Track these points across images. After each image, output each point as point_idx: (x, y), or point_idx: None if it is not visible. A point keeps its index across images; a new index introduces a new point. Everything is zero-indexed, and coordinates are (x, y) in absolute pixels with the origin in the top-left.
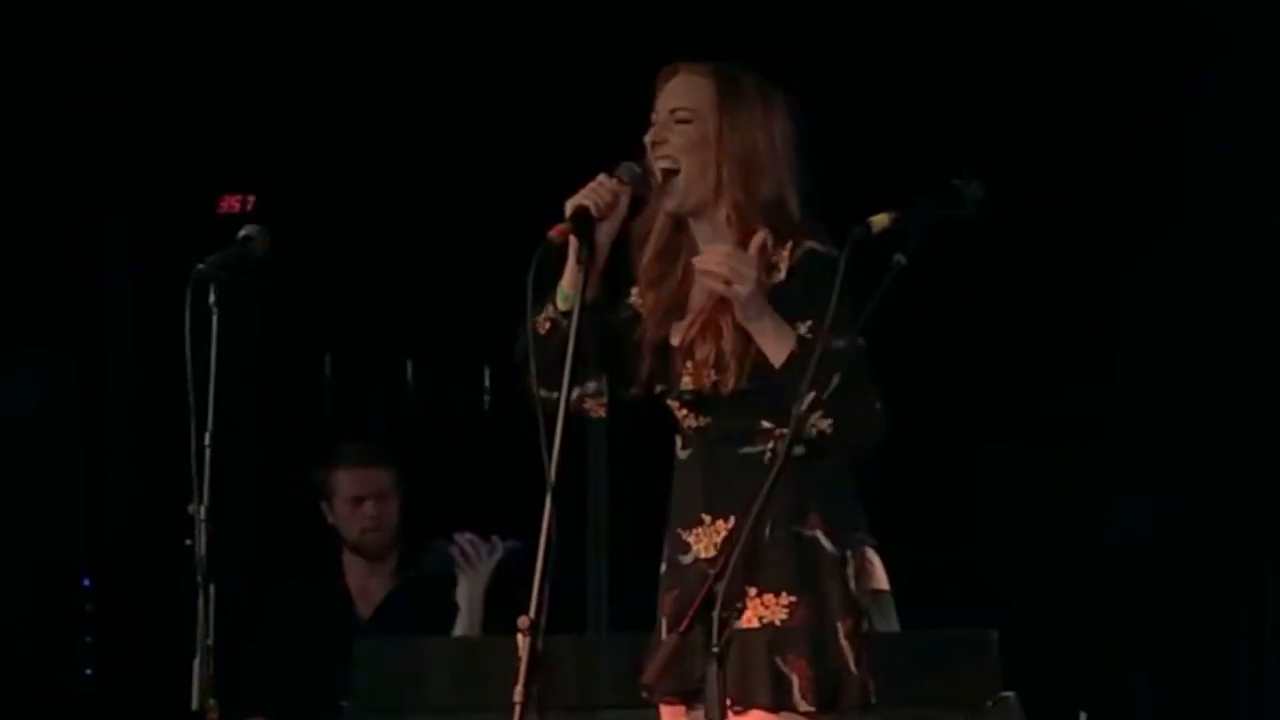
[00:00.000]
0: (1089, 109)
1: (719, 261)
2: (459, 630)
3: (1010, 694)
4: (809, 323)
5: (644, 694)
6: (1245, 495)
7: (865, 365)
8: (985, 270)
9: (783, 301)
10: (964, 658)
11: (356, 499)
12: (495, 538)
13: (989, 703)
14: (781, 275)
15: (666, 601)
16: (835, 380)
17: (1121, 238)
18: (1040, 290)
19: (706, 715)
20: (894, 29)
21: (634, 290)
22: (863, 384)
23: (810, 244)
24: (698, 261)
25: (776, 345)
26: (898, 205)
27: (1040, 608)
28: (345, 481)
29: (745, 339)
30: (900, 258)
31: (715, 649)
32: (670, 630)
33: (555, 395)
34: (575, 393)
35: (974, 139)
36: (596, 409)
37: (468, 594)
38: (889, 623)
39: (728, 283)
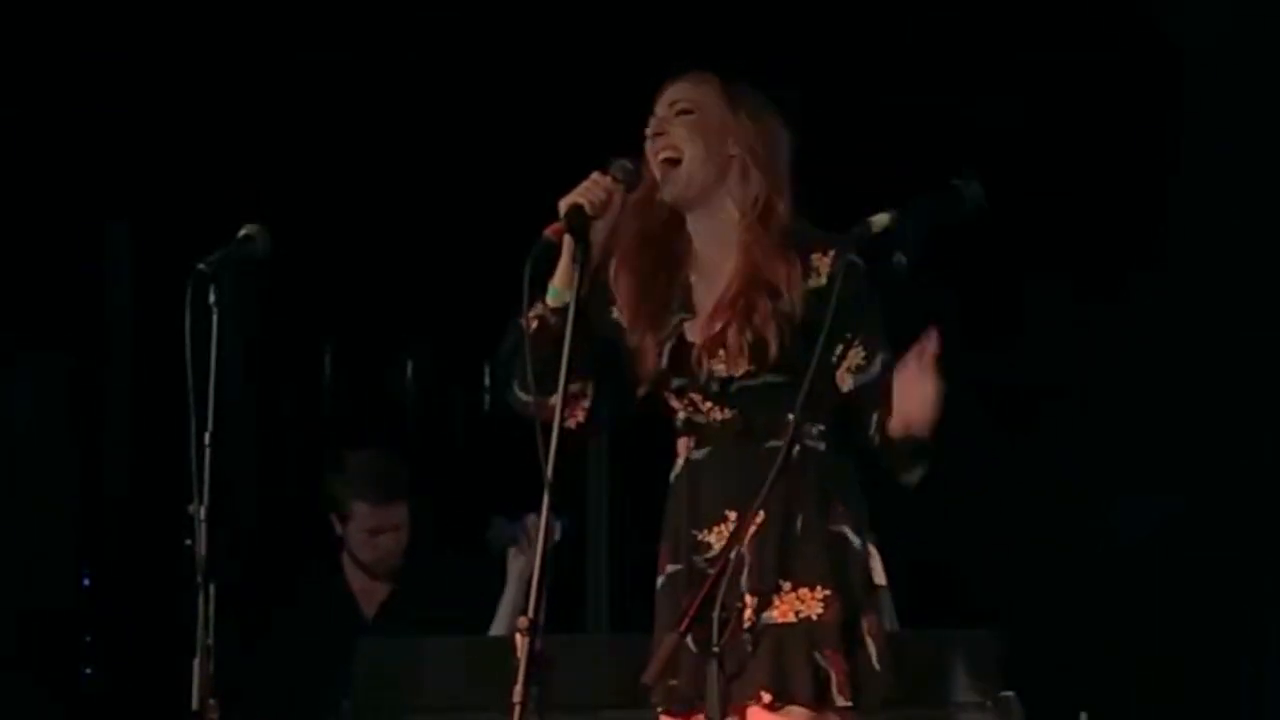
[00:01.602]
0: (1088, 109)
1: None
2: (505, 603)
3: (1010, 694)
4: (863, 336)
5: (657, 703)
6: (1245, 495)
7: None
8: (985, 269)
9: (819, 306)
10: (964, 658)
11: (373, 531)
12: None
13: (989, 703)
14: (822, 281)
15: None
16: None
17: (1121, 236)
18: (1038, 289)
19: (707, 715)
20: (894, 29)
21: (614, 308)
22: None
23: (851, 256)
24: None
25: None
26: (898, 205)
27: (1040, 608)
28: (363, 514)
29: (785, 322)
30: (900, 257)
31: (715, 649)
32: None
33: (532, 399)
34: (553, 398)
35: (974, 139)
36: (576, 415)
37: (519, 573)
38: (888, 619)
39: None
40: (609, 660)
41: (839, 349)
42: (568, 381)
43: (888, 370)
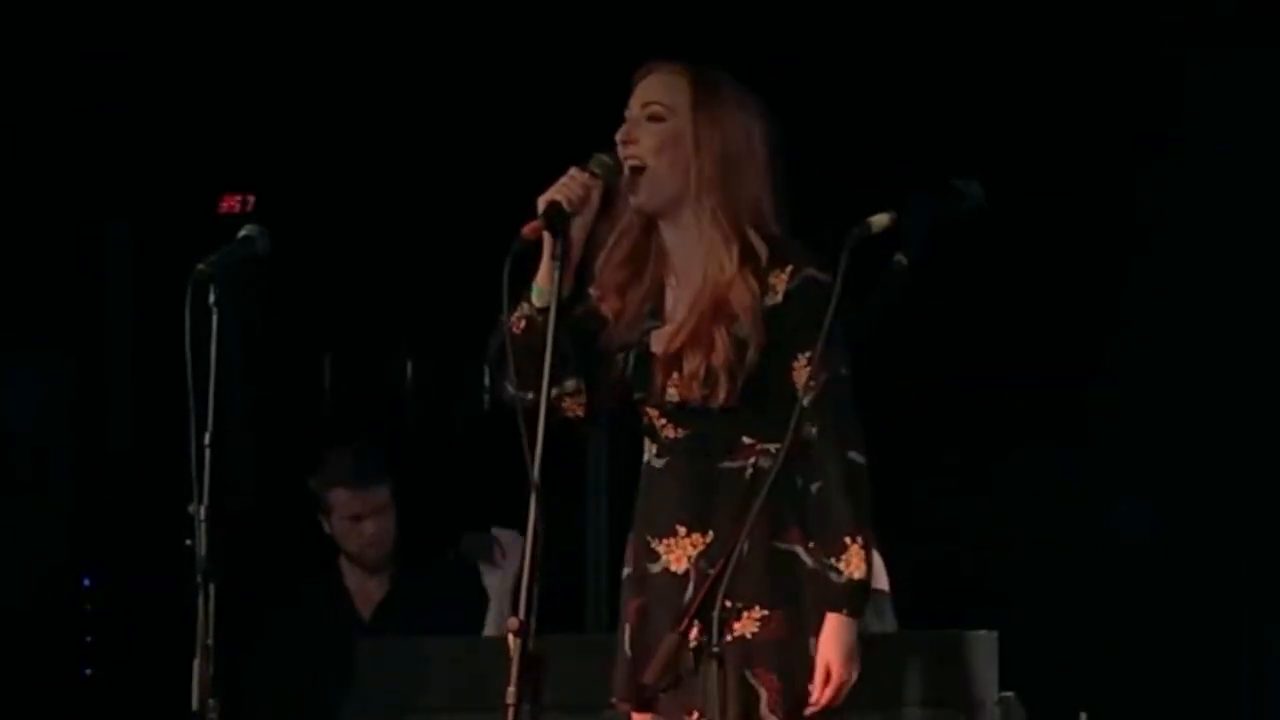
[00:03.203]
0: (1088, 107)
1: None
2: (490, 620)
3: (1010, 694)
4: (808, 354)
5: (614, 697)
6: (1245, 495)
7: (850, 397)
8: (984, 268)
9: (778, 326)
10: (964, 658)
11: (355, 517)
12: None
13: (989, 703)
14: (778, 299)
15: (631, 611)
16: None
17: (1120, 235)
18: (1039, 289)
19: (706, 715)
20: (894, 28)
21: (592, 292)
22: (846, 417)
23: (810, 271)
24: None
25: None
26: (898, 205)
27: (1040, 608)
28: (343, 501)
29: (740, 353)
30: (900, 258)
31: (715, 649)
32: (635, 640)
33: (530, 396)
34: (553, 392)
35: (973, 138)
36: (574, 409)
37: (500, 587)
38: (887, 624)
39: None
40: (609, 660)
41: (795, 368)
42: (561, 378)
43: (830, 388)
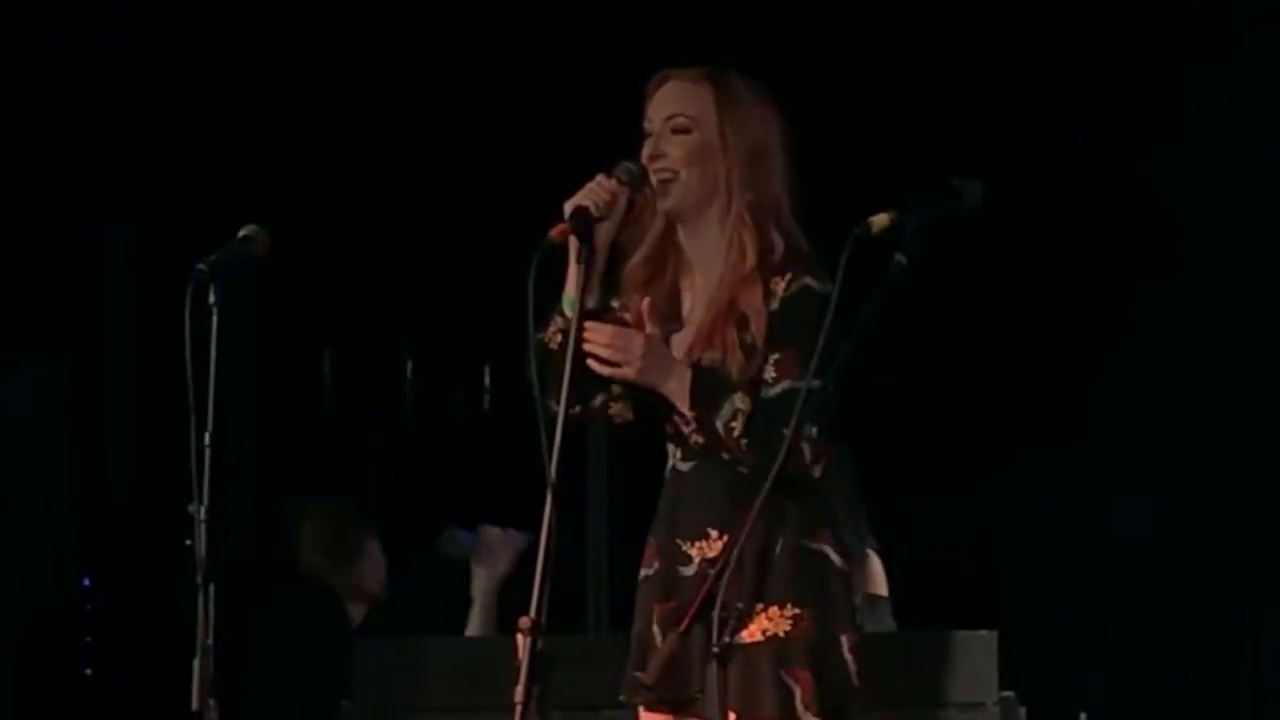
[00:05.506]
0: (1088, 107)
1: (604, 345)
2: (472, 623)
3: (1010, 694)
4: (777, 355)
5: (624, 696)
6: (1245, 495)
7: (810, 409)
8: (986, 270)
9: (771, 330)
10: (964, 658)
11: (331, 588)
12: (513, 530)
13: (989, 703)
14: (775, 305)
15: (658, 612)
16: (768, 417)
17: (1121, 236)
18: (1040, 289)
19: (707, 714)
20: (895, 27)
21: (615, 303)
22: (780, 425)
23: (806, 280)
24: (586, 345)
25: (681, 396)
26: (898, 205)
27: (1040, 608)
28: (319, 570)
29: (751, 348)
30: (900, 258)
31: (715, 649)
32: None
33: (576, 410)
34: (599, 399)
35: (973, 139)
36: (622, 413)
37: (484, 586)
38: (885, 628)
39: (616, 365)
40: (609, 660)
41: (759, 362)
42: (606, 384)
43: (786, 396)
